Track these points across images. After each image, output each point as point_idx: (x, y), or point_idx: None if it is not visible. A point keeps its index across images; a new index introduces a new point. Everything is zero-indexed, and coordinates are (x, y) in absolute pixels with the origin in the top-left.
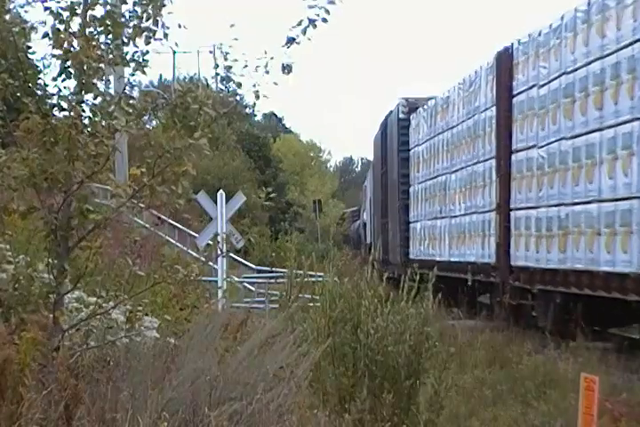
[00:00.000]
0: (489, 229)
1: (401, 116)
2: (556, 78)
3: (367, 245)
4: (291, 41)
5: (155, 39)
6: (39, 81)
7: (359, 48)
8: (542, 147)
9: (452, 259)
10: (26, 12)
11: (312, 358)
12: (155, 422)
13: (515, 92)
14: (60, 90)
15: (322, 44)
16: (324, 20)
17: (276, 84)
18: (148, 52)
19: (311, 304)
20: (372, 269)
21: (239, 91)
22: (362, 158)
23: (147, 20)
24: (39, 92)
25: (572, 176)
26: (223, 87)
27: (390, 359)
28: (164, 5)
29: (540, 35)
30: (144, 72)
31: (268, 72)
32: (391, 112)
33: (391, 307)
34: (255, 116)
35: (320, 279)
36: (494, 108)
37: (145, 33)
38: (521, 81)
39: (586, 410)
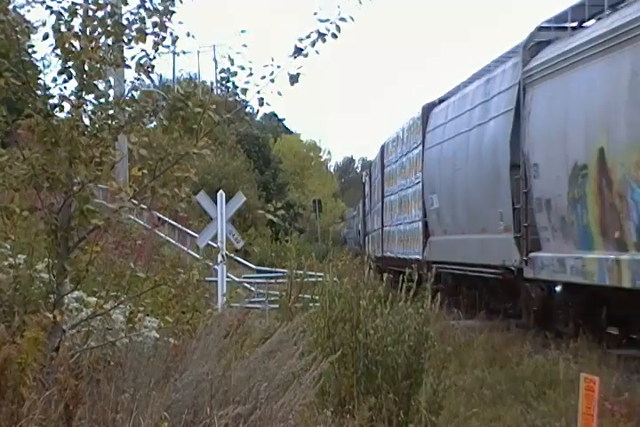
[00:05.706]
0: None
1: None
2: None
3: (361, 244)
4: (298, 52)
5: (163, 46)
6: (39, 81)
7: (359, 48)
8: None
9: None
10: (28, 11)
11: (320, 366)
12: (156, 423)
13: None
14: (60, 90)
15: (322, 44)
16: (334, 36)
17: (280, 93)
18: (154, 57)
19: (311, 305)
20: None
21: (243, 97)
22: (362, 159)
23: (154, 27)
24: (39, 93)
25: None
26: (223, 87)
27: (389, 359)
28: (173, 12)
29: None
30: (149, 76)
31: (272, 80)
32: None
33: (390, 307)
34: (255, 116)
35: (320, 279)
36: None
37: (154, 38)
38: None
39: (586, 410)
